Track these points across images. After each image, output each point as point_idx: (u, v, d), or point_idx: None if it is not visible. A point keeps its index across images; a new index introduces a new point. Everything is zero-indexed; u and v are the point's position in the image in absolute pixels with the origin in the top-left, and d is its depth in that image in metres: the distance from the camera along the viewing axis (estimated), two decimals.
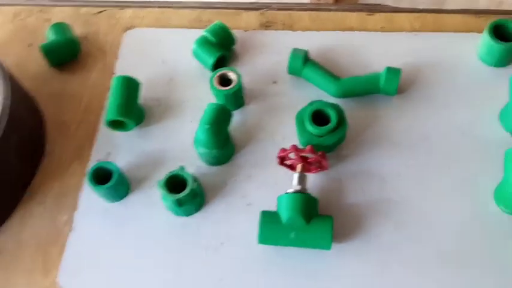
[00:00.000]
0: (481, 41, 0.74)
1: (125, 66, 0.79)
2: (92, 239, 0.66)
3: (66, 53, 0.79)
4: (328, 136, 0.67)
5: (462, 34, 0.78)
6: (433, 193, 0.67)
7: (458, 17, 0.80)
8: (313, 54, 0.76)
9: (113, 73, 0.78)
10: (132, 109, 0.71)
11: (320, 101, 0.68)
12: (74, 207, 0.68)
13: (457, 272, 0.62)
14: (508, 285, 0.60)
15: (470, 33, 0.78)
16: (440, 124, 0.71)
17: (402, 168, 0.68)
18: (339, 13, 0.81)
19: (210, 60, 0.74)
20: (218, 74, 0.71)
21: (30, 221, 0.68)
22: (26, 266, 0.65)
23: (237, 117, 0.73)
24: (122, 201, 0.68)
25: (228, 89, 0.70)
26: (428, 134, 0.71)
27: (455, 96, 0.73)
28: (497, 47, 0.72)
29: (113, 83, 0.71)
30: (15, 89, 0.69)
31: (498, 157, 0.65)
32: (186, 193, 0.63)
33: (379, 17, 0.80)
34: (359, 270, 0.62)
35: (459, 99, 0.73)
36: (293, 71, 0.74)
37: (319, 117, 0.68)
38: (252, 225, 0.63)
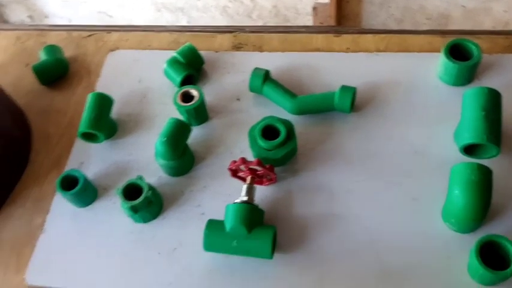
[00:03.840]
0: (440, 61, 0.75)
1: (105, 84, 0.85)
2: (60, 240, 0.72)
3: (55, 72, 0.86)
4: (277, 150, 0.70)
5: (424, 54, 0.80)
6: (380, 209, 0.68)
7: (424, 37, 0.81)
8: (278, 74, 0.80)
9: (95, 91, 0.85)
10: (103, 123, 0.77)
11: (271, 117, 0.71)
12: (48, 211, 0.75)
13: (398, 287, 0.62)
14: None
15: (433, 53, 0.79)
16: (394, 141, 0.73)
17: (352, 183, 0.70)
18: (307, 35, 0.85)
19: (178, 79, 0.79)
20: (182, 91, 0.76)
21: (10, 222, 0.75)
22: (1, 264, 0.71)
23: (200, 131, 0.77)
24: (89, 206, 0.74)
25: (189, 105, 0.75)
26: (381, 151, 0.72)
27: (411, 114, 0.75)
28: (453, 66, 0.73)
29: (88, 99, 0.77)
30: (2, 103, 0.77)
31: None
32: (140, 200, 0.68)
33: (345, 38, 0.83)
34: (300, 281, 0.64)
35: (415, 118, 0.74)
36: (253, 88, 0.78)
37: (271, 132, 0.71)
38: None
